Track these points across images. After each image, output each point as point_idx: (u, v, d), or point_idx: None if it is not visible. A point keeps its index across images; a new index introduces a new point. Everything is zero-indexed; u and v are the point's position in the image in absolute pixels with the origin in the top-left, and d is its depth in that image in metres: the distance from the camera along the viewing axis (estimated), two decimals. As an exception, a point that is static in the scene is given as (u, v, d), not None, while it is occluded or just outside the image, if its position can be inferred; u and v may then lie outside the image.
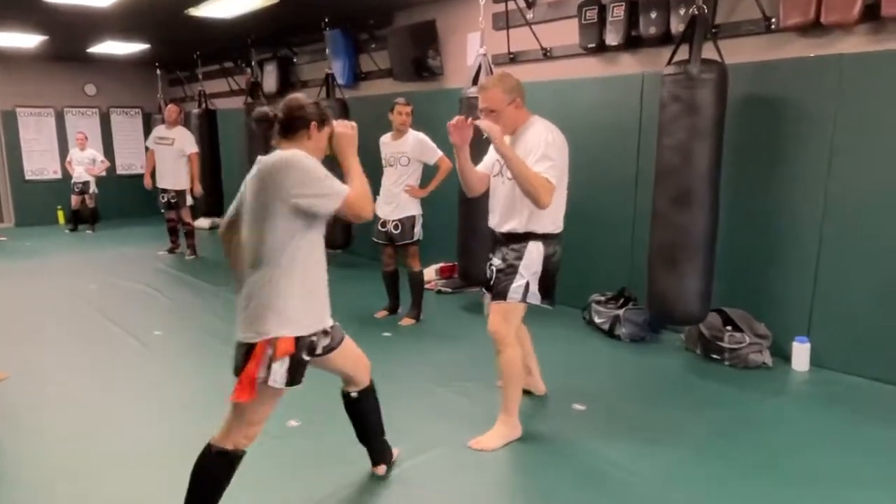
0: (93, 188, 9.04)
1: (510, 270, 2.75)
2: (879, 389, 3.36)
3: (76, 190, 8.96)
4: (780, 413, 3.13)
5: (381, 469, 2.55)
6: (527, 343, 3.23)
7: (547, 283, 2.79)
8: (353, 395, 2.43)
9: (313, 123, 2.10)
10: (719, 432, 2.92)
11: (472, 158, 2.82)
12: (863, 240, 3.43)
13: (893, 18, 3.18)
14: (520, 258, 2.74)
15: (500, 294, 2.79)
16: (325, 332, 2.14)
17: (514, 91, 2.68)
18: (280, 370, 1.98)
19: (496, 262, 2.82)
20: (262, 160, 2.05)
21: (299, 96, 2.14)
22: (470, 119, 2.69)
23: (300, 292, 2.03)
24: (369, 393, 2.46)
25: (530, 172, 2.53)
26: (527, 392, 3.21)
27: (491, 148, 2.80)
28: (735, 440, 2.85)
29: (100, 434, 2.97)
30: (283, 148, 2.07)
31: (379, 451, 2.55)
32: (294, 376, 2.02)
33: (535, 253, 2.74)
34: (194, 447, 2.89)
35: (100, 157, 9.25)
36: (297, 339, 2.01)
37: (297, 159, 2.00)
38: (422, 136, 4.37)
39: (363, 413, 2.47)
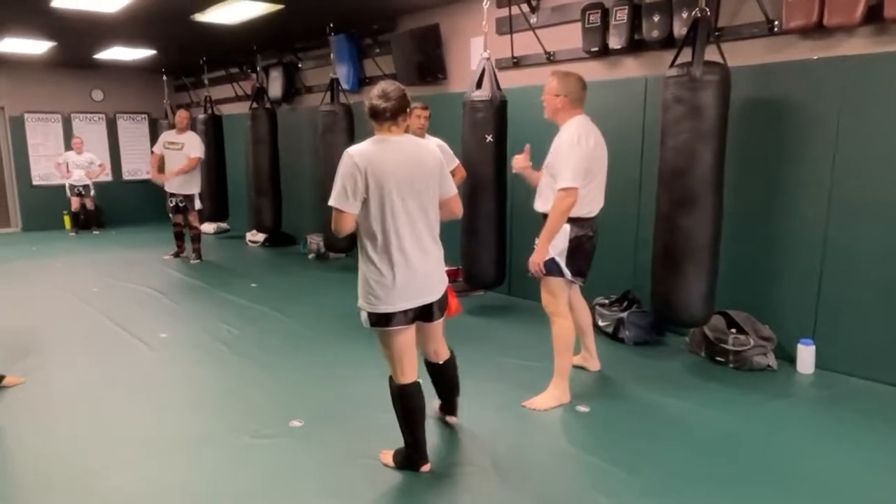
0: (91, 191, 9.22)
1: None
2: (885, 392, 3.34)
3: (75, 192, 9.12)
4: (783, 415, 3.12)
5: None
6: (585, 322, 3.56)
7: (577, 261, 3.16)
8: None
9: (409, 108, 2.45)
10: (723, 434, 2.91)
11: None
12: (868, 241, 3.42)
13: (896, 20, 3.18)
14: None
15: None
16: None
17: (566, 91, 3.13)
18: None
19: (536, 241, 3.17)
20: (417, 143, 2.46)
21: (396, 84, 2.43)
22: (527, 147, 3.39)
23: None
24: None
25: (553, 222, 3.04)
26: (581, 368, 3.60)
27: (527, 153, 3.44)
28: (738, 442, 2.84)
29: (108, 435, 2.98)
30: (394, 133, 2.42)
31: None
32: None
33: (561, 233, 3.09)
34: (200, 446, 2.91)
35: (97, 160, 9.36)
36: None
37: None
38: (441, 141, 4.29)
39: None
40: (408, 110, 2.44)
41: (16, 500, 2.47)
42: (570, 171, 2.99)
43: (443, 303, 2.58)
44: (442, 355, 2.75)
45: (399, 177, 2.36)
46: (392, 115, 2.39)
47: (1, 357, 3.82)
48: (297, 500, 2.43)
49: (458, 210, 2.61)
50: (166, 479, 2.58)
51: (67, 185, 9.12)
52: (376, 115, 2.40)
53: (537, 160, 3.36)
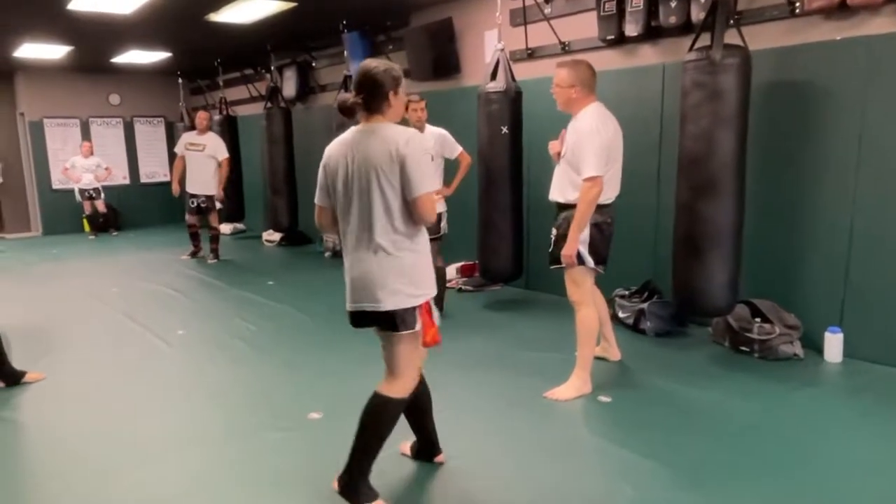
0: (101, 194, 9.36)
1: (561, 238, 3.10)
2: (916, 380, 3.25)
3: (86, 196, 9.25)
4: (811, 405, 3.04)
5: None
6: (602, 312, 3.48)
7: (598, 248, 3.11)
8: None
9: (389, 90, 2.15)
10: (749, 425, 2.84)
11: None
12: (896, 226, 3.33)
13: (923, -3, 3.10)
14: (569, 226, 3.05)
15: (556, 260, 3.15)
16: None
17: (578, 80, 3.06)
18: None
19: (553, 231, 3.18)
20: (377, 134, 2.12)
21: (375, 64, 2.17)
22: (562, 133, 3.19)
23: None
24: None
25: (581, 213, 2.98)
26: (602, 359, 3.53)
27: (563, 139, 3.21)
28: (765, 432, 2.77)
29: (127, 431, 2.98)
30: (375, 121, 2.16)
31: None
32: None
33: None
34: (220, 439, 2.90)
35: (104, 163, 9.46)
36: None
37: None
38: (441, 130, 4.34)
39: None
40: (390, 93, 2.14)
41: (36, 496, 2.48)
42: (593, 160, 2.95)
43: (391, 319, 2.16)
44: (381, 385, 2.31)
45: (348, 171, 2.14)
46: (365, 104, 2.15)
47: (22, 354, 3.84)
48: (317, 491, 2.40)
49: (426, 215, 2.14)
50: (187, 474, 2.56)
51: (77, 189, 9.24)
52: (342, 112, 2.19)
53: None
